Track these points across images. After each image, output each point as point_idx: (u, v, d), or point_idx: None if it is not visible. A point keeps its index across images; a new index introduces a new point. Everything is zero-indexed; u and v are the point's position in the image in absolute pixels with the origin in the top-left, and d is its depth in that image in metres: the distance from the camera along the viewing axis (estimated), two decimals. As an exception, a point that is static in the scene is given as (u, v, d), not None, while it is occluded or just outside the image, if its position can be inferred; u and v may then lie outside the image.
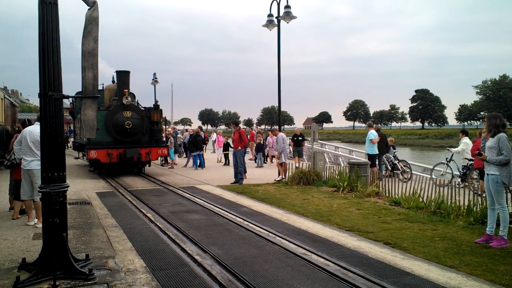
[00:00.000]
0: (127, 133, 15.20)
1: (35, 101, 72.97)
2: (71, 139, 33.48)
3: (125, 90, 15.34)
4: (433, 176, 12.66)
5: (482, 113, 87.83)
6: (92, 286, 4.62)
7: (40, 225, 7.10)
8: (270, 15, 15.97)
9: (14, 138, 8.49)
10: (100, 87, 18.73)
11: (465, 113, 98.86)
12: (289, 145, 17.24)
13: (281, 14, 15.35)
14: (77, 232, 7.03)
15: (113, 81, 17.88)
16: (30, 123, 8.34)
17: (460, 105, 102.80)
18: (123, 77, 15.88)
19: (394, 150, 15.52)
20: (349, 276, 4.92)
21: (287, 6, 15.09)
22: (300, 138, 18.60)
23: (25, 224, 7.54)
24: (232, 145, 21.65)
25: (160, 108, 16.55)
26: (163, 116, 18.16)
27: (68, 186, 5.06)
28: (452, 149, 13.36)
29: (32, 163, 7.23)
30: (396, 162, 14.93)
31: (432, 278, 4.89)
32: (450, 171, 13.02)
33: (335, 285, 4.69)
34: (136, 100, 16.76)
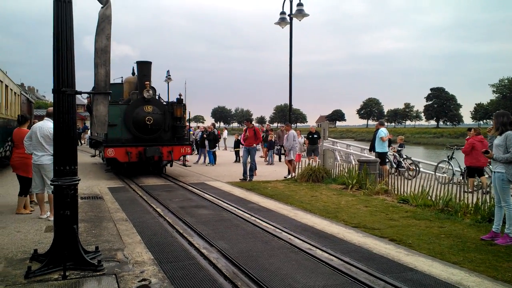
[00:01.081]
0: (147, 130, 13.82)
1: (51, 98, 74.03)
2: (86, 135, 31.27)
3: (146, 83, 13.88)
4: (437, 174, 12.66)
5: (503, 111, 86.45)
6: (101, 277, 4.77)
7: (53, 218, 7.33)
8: (283, 12, 16.05)
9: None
10: (118, 80, 17.91)
11: (481, 112, 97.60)
12: (304, 143, 17.25)
13: (293, 11, 15.43)
14: (88, 225, 7.21)
15: (133, 73, 16.43)
16: (23, 118, 8.52)
17: (476, 104, 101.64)
18: (144, 68, 14.33)
19: (400, 148, 15.52)
20: (352, 270, 5.00)
21: (300, 4, 15.15)
22: (315, 136, 18.09)
23: (38, 217, 7.74)
24: (242, 142, 21.90)
25: (184, 102, 15.14)
26: (187, 111, 16.53)
27: (79, 180, 5.21)
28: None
29: (43, 157, 7.43)
30: (401, 159, 14.95)
31: (435, 274, 4.93)
32: (451, 168, 13.00)
33: (338, 279, 4.77)
34: (157, 94, 15.33)
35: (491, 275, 4.93)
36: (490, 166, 11.50)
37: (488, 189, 9.72)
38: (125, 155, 13.28)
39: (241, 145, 21.63)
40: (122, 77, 17.51)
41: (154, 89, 15.11)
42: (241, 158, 20.39)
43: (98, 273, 4.84)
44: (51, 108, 8.31)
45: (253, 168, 13.79)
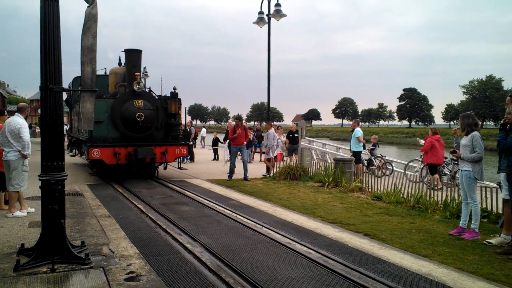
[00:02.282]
0: (138, 128, 12.28)
1: (22, 93, 72.41)
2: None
3: (136, 74, 12.35)
4: (407, 172, 13.25)
5: (468, 112, 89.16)
6: (89, 270, 4.91)
7: (10, 215, 7.41)
8: (261, 12, 16.32)
9: None
10: (101, 72, 16.18)
11: (451, 112, 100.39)
12: (285, 143, 17.07)
13: (271, 11, 15.70)
14: (71, 221, 7.28)
15: (119, 63, 14.74)
16: None
17: (447, 105, 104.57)
18: (133, 57, 12.72)
19: (373, 147, 16.10)
20: (329, 263, 5.29)
21: (278, 4, 15.44)
22: (296, 135, 17.30)
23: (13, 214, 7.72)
24: (221, 141, 22.04)
25: (179, 97, 13.40)
26: (183, 106, 14.74)
27: (67, 175, 5.34)
28: (420, 140, 14.27)
29: (9, 154, 7.44)
30: (373, 158, 15.53)
31: (406, 266, 5.28)
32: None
33: (316, 270, 5.06)
34: (148, 87, 13.44)
35: (457, 267, 5.31)
36: (446, 163, 12.62)
37: (439, 186, 10.77)
38: (113, 157, 11.75)
39: (220, 144, 21.83)
40: (105, 69, 16.24)
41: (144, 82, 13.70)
42: (219, 156, 20.60)
43: (86, 266, 4.98)
44: (21, 104, 8.36)
45: (246, 167, 13.40)
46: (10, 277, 4.64)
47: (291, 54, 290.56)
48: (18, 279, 4.58)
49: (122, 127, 12.29)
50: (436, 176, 11.89)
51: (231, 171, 13.27)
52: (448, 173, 12.89)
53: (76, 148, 17.47)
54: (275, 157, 15.12)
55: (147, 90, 13.05)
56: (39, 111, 46.88)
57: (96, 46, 5.58)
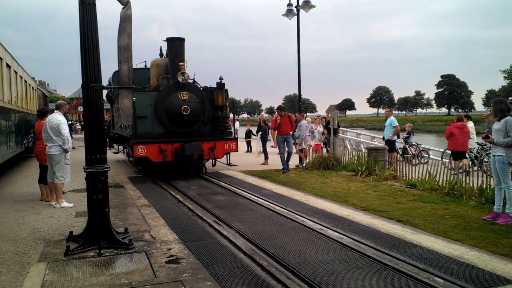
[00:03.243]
0: (184, 122, 11.52)
1: (62, 92, 75.23)
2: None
3: (180, 64, 11.45)
4: (444, 160, 13.08)
5: (510, 98, 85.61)
6: (133, 254, 5.27)
7: (58, 206, 7.91)
8: (290, 4, 16.37)
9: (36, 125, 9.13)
10: (142, 65, 15.68)
11: (492, 98, 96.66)
12: (323, 133, 16.67)
13: (300, 3, 15.73)
14: (114, 211, 7.72)
15: (160, 55, 13.94)
16: (42, 112, 9.02)
17: (487, 90, 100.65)
18: (176, 46, 11.78)
19: (407, 136, 15.89)
20: (360, 247, 5.44)
21: (306, -5, 15.46)
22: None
23: (49, 204, 8.26)
24: (254, 133, 22.29)
25: (226, 88, 12.51)
26: (231, 97, 13.64)
27: (109, 167, 5.71)
28: None
29: (52, 148, 7.95)
30: (407, 146, 15.36)
31: (437, 249, 5.35)
32: None
33: (347, 254, 5.21)
34: (193, 78, 12.35)
35: (490, 250, 5.33)
36: (472, 150, 12.50)
37: (468, 170, 10.76)
38: (159, 154, 11.08)
39: (253, 136, 22.08)
40: (145, 62, 15.62)
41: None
42: (252, 148, 20.87)
43: (129, 251, 5.35)
44: (59, 101, 8.92)
45: (289, 159, 13.23)
46: (62, 261, 5.06)
47: (323, 43, 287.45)
48: (69, 263, 4.98)
49: (167, 121, 11.54)
50: (457, 162, 11.96)
51: (283, 163, 12.86)
52: (470, 160, 12.84)
53: (119, 144, 17.07)
54: (308, 148, 15.12)
55: (191, 81, 12.12)
56: (79, 108, 48.49)
57: (132, 45, 5.91)
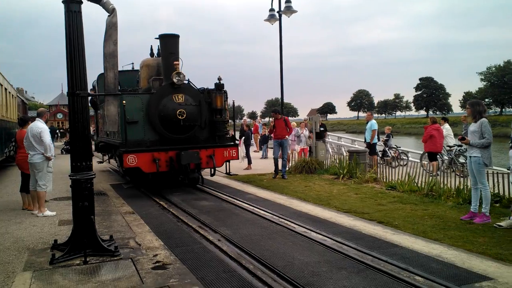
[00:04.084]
0: (179, 127, 10.36)
1: (40, 98, 74.02)
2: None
3: (175, 63, 10.28)
4: (423, 162, 13.41)
5: (486, 99, 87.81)
6: (119, 261, 5.29)
7: (41, 214, 7.86)
8: (272, 9, 16.51)
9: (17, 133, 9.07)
10: (129, 67, 14.84)
11: (469, 100, 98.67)
12: (309, 137, 16.22)
13: (282, 8, 15.91)
14: (98, 218, 7.67)
15: (151, 54, 12.56)
16: (23, 120, 8.96)
17: (464, 92, 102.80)
18: (170, 44, 10.62)
19: (387, 138, 16.25)
20: (343, 248, 5.58)
21: (288, 1, 15.65)
22: (322, 129, 16.57)
23: (31, 213, 8.18)
24: (237, 138, 22.35)
25: (224, 89, 11.34)
26: (230, 100, 12.41)
27: (95, 174, 5.72)
28: None
29: (34, 156, 7.92)
30: (386, 148, 15.70)
31: (417, 249, 5.54)
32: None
33: (331, 255, 5.35)
34: (187, 79, 10.88)
35: (467, 249, 5.54)
36: (445, 150, 12.98)
37: (438, 172, 11.14)
38: (152, 164, 9.81)
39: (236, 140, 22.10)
40: (132, 63, 14.69)
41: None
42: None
43: (115, 258, 5.37)
44: (40, 109, 8.90)
45: (285, 164, 12.82)
46: (47, 269, 5.05)
47: (305, 47, 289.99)
48: (55, 271, 4.98)
49: (161, 127, 10.33)
50: (435, 163, 12.44)
51: (276, 167, 12.66)
52: (447, 160, 13.38)
53: (104, 153, 15.57)
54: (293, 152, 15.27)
55: (186, 82, 10.84)
56: (58, 115, 47.72)
57: (118, 52, 5.95)
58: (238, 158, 11.74)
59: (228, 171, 11.89)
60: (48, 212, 8.04)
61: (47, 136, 7.93)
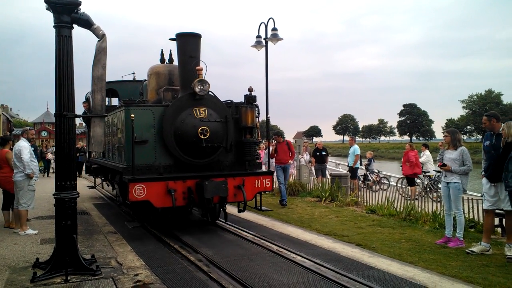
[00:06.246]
0: (201, 150, 7.99)
1: (25, 116, 73.29)
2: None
3: (198, 68, 8.02)
4: (402, 186, 13.74)
5: (468, 127, 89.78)
6: (100, 280, 5.35)
7: (23, 233, 7.87)
8: (258, 36, 16.94)
9: None
10: (130, 77, 13.05)
11: (451, 127, 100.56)
12: (310, 162, 15.84)
13: (268, 35, 16.35)
14: (81, 237, 7.70)
15: (161, 60, 10.04)
16: (4, 140, 8.94)
17: (447, 119, 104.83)
18: (190, 45, 8.35)
19: (368, 163, 16.59)
20: (321, 269, 5.73)
21: (274, 29, 16.10)
22: (324, 153, 16.06)
23: (13, 231, 8.16)
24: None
25: (256, 102, 8.99)
26: (262, 117, 10.06)
27: (79, 194, 5.82)
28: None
29: (16, 175, 8.03)
30: (367, 173, 16.03)
31: (392, 271, 5.72)
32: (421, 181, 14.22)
33: (309, 277, 5.49)
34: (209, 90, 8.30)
35: (440, 272, 5.74)
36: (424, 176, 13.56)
37: (416, 196, 11.63)
38: (166, 196, 7.46)
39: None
40: (134, 73, 12.94)
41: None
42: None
43: (96, 277, 5.43)
44: (25, 128, 8.99)
45: (285, 190, 12.08)
46: (29, 287, 5.09)
47: (292, 72, 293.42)
48: (36, 289, 5.02)
49: (177, 148, 8.01)
50: (414, 188, 12.93)
51: (283, 194, 11.83)
52: (421, 184, 13.87)
53: (96, 176, 13.32)
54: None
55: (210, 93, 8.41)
56: (42, 133, 47.37)
57: (106, 76, 6.14)
58: (272, 190, 9.63)
59: (258, 205, 9.03)
60: (30, 231, 8.04)
61: (25, 154, 8.00)
